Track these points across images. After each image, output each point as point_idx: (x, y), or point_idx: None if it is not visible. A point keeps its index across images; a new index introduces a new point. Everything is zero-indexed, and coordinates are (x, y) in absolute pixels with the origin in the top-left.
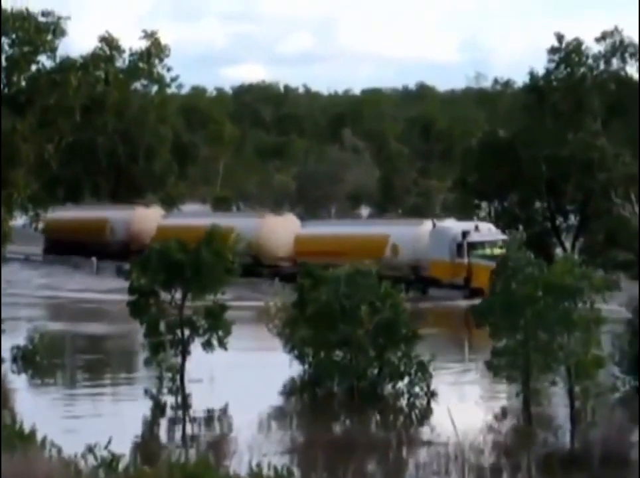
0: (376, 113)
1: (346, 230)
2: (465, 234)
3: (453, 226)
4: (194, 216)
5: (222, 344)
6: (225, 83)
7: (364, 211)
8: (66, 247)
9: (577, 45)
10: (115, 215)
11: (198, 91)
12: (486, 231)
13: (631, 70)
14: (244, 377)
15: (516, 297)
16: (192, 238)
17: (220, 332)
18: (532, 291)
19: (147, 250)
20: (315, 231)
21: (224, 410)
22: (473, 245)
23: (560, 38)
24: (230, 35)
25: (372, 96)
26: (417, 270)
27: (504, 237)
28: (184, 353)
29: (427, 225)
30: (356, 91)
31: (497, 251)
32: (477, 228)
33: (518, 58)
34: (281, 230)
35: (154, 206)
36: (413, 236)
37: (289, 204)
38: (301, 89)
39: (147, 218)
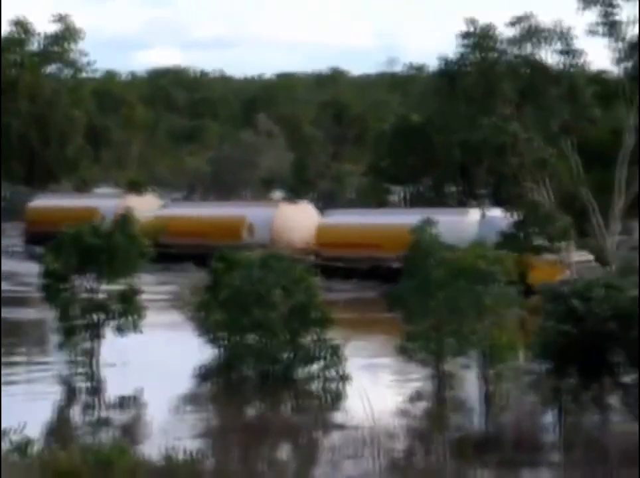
0: (290, 98)
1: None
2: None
3: (496, 215)
4: (183, 206)
5: (136, 328)
6: (140, 67)
7: (277, 195)
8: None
9: (489, 30)
10: (105, 204)
11: (112, 75)
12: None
13: (543, 54)
14: (159, 361)
15: (428, 281)
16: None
17: (134, 316)
18: (444, 275)
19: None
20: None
21: (138, 394)
22: None
23: (472, 23)
24: (144, 19)
25: (286, 81)
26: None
27: None
28: (97, 337)
29: (474, 215)
30: (270, 75)
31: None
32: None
33: (432, 42)
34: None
35: (149, 194)
36: (458, 227)
37: (202, 188)
38: (216, 74)
39: (141, 207)
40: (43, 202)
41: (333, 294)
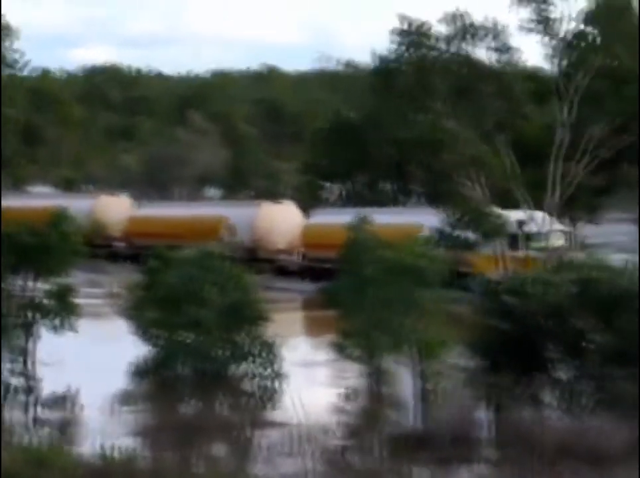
0: (225, 96)
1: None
2: (520, 224)
3: (505, 215)
4: (159, 206)
5: (71, 327)
6: (75, 65)
7: (212, 193)
8: None
9: (423, 27)
10: (75, 205)
11: (47, 74)
12: (540, 220)
13: (477, 51)
14: (93, 359)
15: (362, 279)
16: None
17: (68, 315)
18: (378, 273)
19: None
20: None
21: (73, 393)
22: (529, 237)
23: (405, 20)
24: (78, 17)
25: (220, 78)
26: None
27: (562, 227)
28: (31, 336)
29: None
30: (205, 73)
31: (558, 242)
32: (531, 218)
33: (368, 40)
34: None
35: (121, 195)
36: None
37: (136, 186)
38: (150, 72)
39: (113, 208)
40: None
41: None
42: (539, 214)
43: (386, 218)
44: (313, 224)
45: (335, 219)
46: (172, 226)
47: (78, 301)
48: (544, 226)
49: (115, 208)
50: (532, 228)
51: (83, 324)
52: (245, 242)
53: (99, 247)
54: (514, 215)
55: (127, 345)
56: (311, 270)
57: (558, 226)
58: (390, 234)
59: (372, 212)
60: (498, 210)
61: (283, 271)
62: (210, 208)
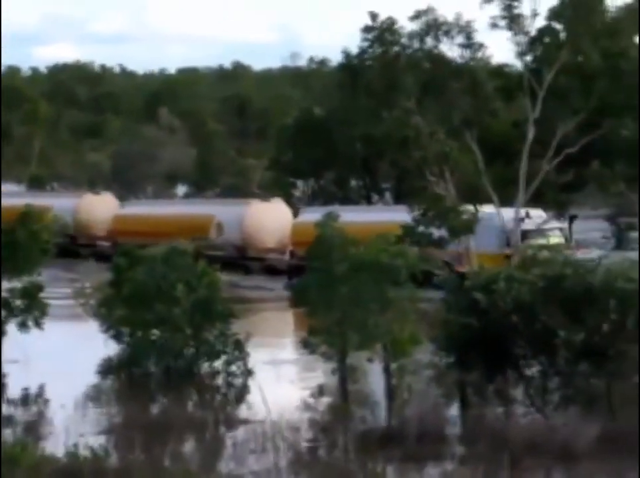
0: (192, 93)
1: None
2: (518, 221)
3: (502, 212)
4: (145, 204)
5: (38, 325)
6: (40, 62)
7: (180, 190)
8: None
9: (390, 24)
10: (59, 204)
11: (13, 71)
12: (537, 218)
13: (445, 48)
14: (62, 357)
15: (331, 276)
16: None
17: (36, 313)
18: (347, 269)
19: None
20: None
21: (41, 391)
22: (526, 234)
23: (373, 16)
24: (42, 14)
25: (188, 75)
26: (450, 265)
27: (560, 224)
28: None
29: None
30: (172, 70)
31: (555, 240)
32: (527, 215)
33: (336, 37)
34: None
35: (105, 193)
36: None
37: (104, 183)
38: (117, 69)
39: (97, 206)
40: None
41: None
42: (537, 212)
43: (368, 216)
44: (302, 222)
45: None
46: (159, 225)
47: (47, 299)
48: (541, 224)
49: (100, 207)
50: (529, 225)
51: (54, 323)
52: (234, 241)
53: (84, 247)
54: (510, 213)
55: (99, 344)
56: (300, 269)
57: (555, 223)
58: (371, 231)
59: (357, 210)
60: (467, 207)
61: (272, 270)
62: (198, 207)
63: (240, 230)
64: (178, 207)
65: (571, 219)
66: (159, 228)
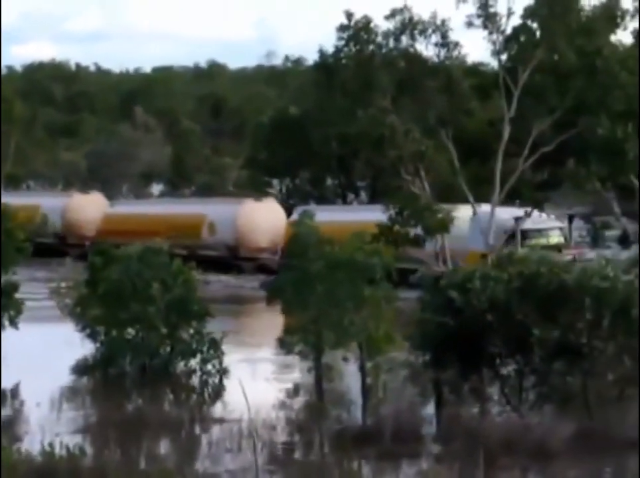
0: (167, 91)
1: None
2: (517, 220)
3: (500, 211)
4: (135, 204)
5: (13, 324)
6: (16, 61)
7: (156, 189)
8: None
9: (366, 22)
10: (48, 203)
11: None
12: (537, 217)
13: (420, 47)
14: (37, 356)
15: (307, 274)
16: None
17: (11, 312)
18: (323, 268)
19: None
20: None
21: (15, 390)
22: (526, 234)
23: (349, 15)
24: (16, 13)
25: (163, 74)
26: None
27: (560, 224)
28: None
29: (465, 210)
30: (147, 69)
31: (555, 239)
32: (527, 214)
33: (311, 35)
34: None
35: (94, 193)
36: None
37: (80, 182)
38: (92, 68)
39: (87, 206)
40: None
41: None
42: (535, 211)
43: (352, 215)
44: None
45: (319, 217)
46: (149, 224)
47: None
48: (541, 223)
49: (89, 207)
50: (529, 225)
51: (31, 323)
52: (227, 240)
53: (73, 247)
54: (510, 212)
55: (75, 343)
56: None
57: (555, 222)
58: (353, 230)
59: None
60: (443, 205)
61: (264, 270)
62: (190, 206)
63: (233, 230)
64: (169, 206)
65: (570, 219)
66: (150, 228)
